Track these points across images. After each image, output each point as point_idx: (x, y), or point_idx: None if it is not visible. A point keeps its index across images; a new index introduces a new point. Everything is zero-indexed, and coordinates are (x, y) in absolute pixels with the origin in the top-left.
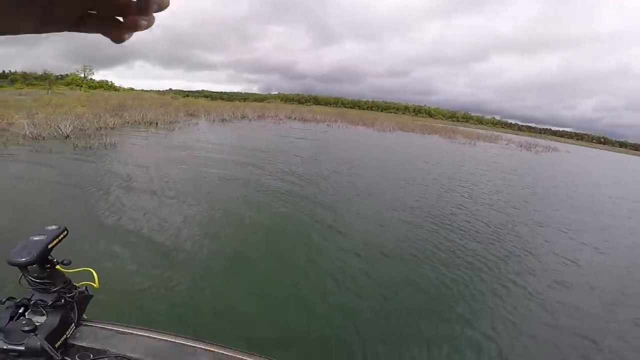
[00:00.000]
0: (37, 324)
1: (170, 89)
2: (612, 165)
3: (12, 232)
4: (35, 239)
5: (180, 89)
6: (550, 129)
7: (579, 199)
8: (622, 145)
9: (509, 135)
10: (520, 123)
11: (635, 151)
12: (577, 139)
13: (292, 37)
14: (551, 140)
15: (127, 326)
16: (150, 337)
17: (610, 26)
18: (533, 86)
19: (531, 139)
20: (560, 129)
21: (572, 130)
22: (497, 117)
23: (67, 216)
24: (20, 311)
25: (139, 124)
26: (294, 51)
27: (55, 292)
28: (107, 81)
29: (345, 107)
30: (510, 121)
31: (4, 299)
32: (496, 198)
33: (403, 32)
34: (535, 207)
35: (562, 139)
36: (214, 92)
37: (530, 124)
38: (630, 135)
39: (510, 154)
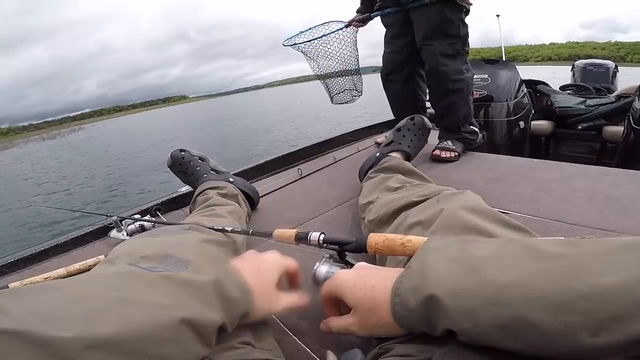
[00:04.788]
0: None
1: None
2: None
3: None
4: None
5: None
6: (69, 116)
7: None
8: (134, 107)
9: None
10: (35, 122)
11: (142, 108)
12: (98, 115)
13: None
14: (72, 125)
15: None
16: None
17: (84, 12)
18: (30, 81)
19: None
20: (79, 112)
21: (90, 110)
22: (5, 126)
23: None
24: None
25: None
26: None
27: None
28: None
29: None
30: (23, 124)
31: None
32: None
33: None
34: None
35: (87, 120)
36: None
37: (47, 119)
38: (136, 97)
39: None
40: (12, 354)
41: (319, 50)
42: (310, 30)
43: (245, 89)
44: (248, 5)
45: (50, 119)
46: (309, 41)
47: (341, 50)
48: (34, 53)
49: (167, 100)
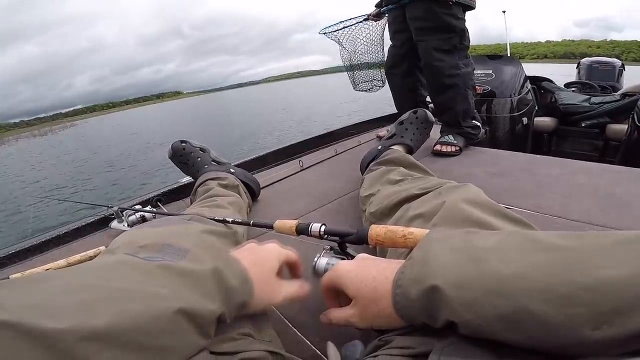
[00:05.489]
0: None
1: None
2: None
3: None
4: None
5: None
6: (61, 113)
7: None
8: (127, 103)
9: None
10: (26, 119)
11: (136, 104)
12: (90, 111)
13: None
14: (64, 122)
15: None
16: None
17: (76, 7)
18: (22, 77)
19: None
20: (71, 108)
21: (82, 106)
22: None
23: None
24: None
25: None
26: None
27: None
28: None
29: None
30: (14, 121)
31: None
32: None
33: None
34: None
35: (79, 117)
36: None
37: (39, 116)
38: (130, 93)
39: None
40: (7, 346)
41: (351, 38)
42: (350, 21)
43: (240, 85)
44: (243, 0)
45: (42, 115)
46: (334, 31)
47: (371, 40)
48: (25, 49)
49: (160, 96)
